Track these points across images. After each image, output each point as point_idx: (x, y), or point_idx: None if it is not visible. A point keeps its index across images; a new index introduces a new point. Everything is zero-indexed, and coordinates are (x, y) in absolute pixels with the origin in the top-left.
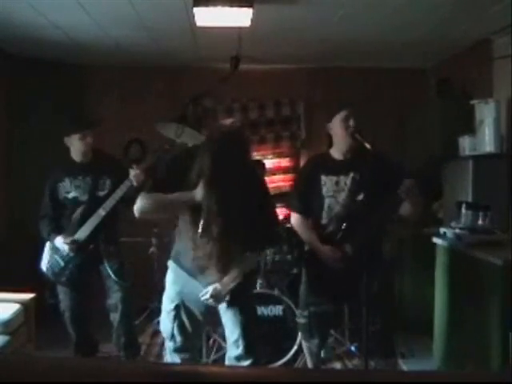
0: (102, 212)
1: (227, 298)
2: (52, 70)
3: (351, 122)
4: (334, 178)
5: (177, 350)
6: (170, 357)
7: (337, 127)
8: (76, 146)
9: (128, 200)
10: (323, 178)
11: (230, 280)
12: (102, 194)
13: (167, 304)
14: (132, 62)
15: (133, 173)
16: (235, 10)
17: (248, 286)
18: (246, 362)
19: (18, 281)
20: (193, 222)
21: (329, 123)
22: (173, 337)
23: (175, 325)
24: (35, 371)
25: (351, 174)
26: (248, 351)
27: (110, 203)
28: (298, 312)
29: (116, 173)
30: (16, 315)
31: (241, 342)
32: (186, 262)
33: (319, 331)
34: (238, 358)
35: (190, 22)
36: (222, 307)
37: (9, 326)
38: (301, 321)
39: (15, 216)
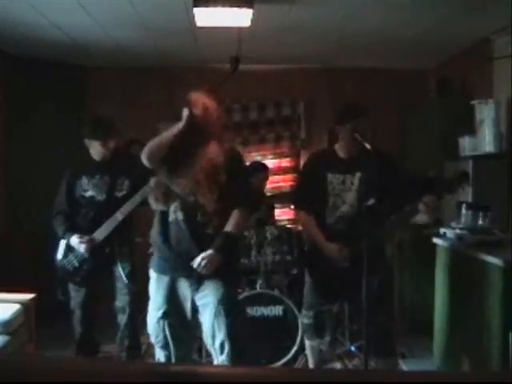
0: (119, 216)
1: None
2: (52, 71)
3: (356, 135)
4: (341, 177)
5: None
6: None
7: (346, 134)
8: (97, 150)
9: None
10: (329, 175)
11: (220, 244)
12: (120, 194)
13: (154, 313)
14: (132, 62)
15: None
16: (235, 10)
17: (232, 260)
18: None
19: (17, 281)
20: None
21: (338, 126)
22: (167, 345)
23: (167, 332)
24: (35, 371)
25: (357, 174)
26: (234, 355)
27: (128, 207)
28: (302, 312)
29: (135, 173)
30: (16, 315)
31: (226, 345)
32: (167, 253)
33: (327, 329)
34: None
35: (190, 23)
36: (207, 309)
37: (9, 326)
38: (305, 321)
39: (15, 216)
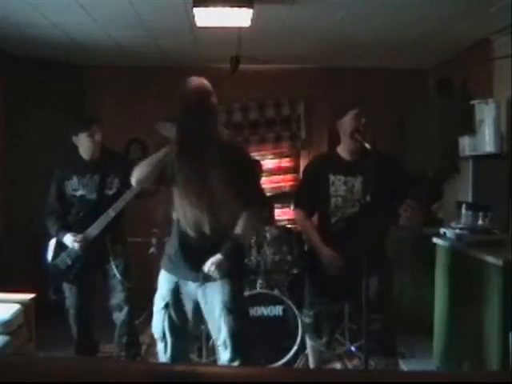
0: (111, 213)
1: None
2: (52, 70)
3: (362, 121)
4: (343, 178)
5: (168, 356)
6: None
7: (347, 126)
8: (85, 145)
9: (143, 196)
10: (331, 177)
11: (228, 249)
12: (110, 192)
13: (159, 303)
14: (132, 62)
15: None
16: (235, 10)
17: (240, 262)
18: (235, 364)
19: (17, 281)
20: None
21: (339, 120)
22: (164, 337)
23: (165, 324)
24: (35, 371)
25: (359, 176)
26: (236, 354)
27: (120, 204)
28: (303, 311)
29: (124, 171)
30: (16, 315)
31: (228, 344)
32: (177, 258)
33: (326, 330)
34: (229, 361)
35: (190, 23)
36: (212, 307)
37: (9, 326)
38: (306, 320)
39: (14, 215)
